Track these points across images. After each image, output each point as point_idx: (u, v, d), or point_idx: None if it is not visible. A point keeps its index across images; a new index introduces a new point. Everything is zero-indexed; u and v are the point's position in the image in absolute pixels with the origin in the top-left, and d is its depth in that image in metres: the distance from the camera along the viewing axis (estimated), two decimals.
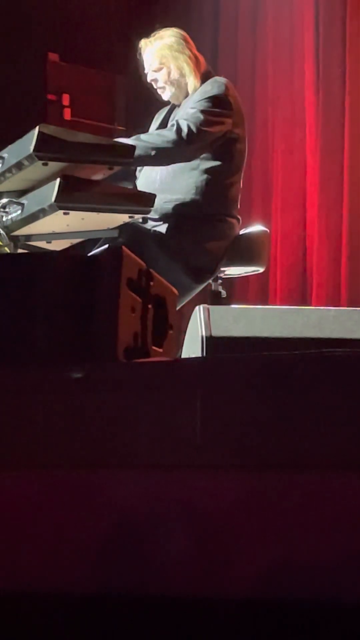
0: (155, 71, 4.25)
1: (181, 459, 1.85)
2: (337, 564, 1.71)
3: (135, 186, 4.21)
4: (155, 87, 4.30)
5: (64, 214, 3.45)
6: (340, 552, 1.71)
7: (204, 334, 3.12)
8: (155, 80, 4.27)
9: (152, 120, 4.44)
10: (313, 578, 1.71)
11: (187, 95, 4.24)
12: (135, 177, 4.26)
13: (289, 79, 6.58)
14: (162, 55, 4.23)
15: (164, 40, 4.25)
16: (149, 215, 3.89)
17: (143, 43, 4.28)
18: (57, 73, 6.58)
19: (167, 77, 4.23)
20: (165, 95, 4.29)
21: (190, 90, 4.22)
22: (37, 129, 3.42)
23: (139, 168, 4.23)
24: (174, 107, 4.33)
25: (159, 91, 4.30)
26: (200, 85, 4.19)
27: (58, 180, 3.40)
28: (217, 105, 4.10)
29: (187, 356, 3.28)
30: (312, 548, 1.73)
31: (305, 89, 6.49)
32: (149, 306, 2.40)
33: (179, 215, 4.07)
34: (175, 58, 4.21)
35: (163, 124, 4.29)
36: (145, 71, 4.29)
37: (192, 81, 4.20)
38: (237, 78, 6.62)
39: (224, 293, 4.27)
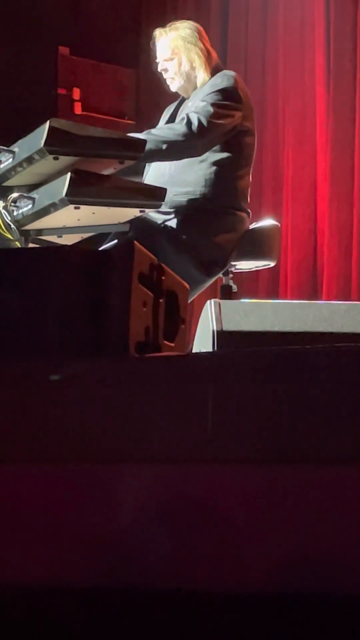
0: (166, 61, 4.27)
1: (192, 453, 1.86)
2: (351, 559, 1.71)
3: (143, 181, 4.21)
4: (165, 76, 4.30)
5: (75, 208, 3.45)
6: (354, 547, 1.71)
7: (215, 328, 3.12)
8: (166, 70, 4.29)
9: (162, 114, 4.44)
10: (326, 572, 1.71)
11: (195, 88, 4.24)
12: (142, 172, 4.26)
13: (299, 72, 6.57)
14: (175, 46, 4.24)
15: (178, 31, 4.27)
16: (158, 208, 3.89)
17: (158, 32, 4.31)
18: (67, 67, 6.58)
19: (178, 68, 4.25)
20: (174, 86, 4.29)
21: (199, 83, 4.22)
22: (47, 123, 3.42)
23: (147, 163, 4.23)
24: (182, 101, 4.33)
25: (167, 81, 4.31)
26: (210, 78, 4.20)
27: (69, 174, 3.40)
28: (227, 98, 4.10)
29: (198, 350, 3.28)
30: (326, 542, 1.73)
31: (316, 82, 6.48)
32: (161, 300, 2.40)
33: (188, 208, 4.07)
34: (187, 49, 4.23)
35: (172, 118, 4.30)
36: (157, 60, 4.31)
37: (201, 74, 4.21)
38: (247, 72, 6.62)
39: (234, 287, 4.27)
